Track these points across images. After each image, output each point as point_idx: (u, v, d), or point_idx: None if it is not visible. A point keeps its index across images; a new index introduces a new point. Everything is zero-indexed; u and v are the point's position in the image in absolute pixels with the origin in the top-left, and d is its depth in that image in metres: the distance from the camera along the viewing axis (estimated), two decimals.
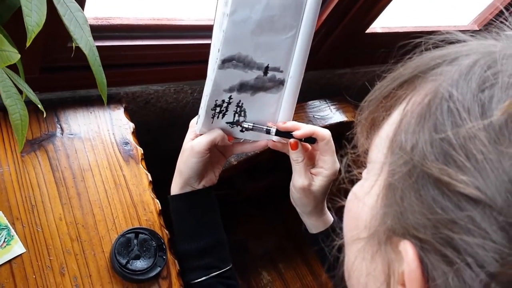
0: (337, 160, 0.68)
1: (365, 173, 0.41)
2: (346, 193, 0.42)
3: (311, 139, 0.67)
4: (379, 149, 0.37)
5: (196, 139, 0.68)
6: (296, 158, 0.67)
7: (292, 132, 0.66)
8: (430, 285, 0.30)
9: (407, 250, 0.30)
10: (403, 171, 0.31)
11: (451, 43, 0.37)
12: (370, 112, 0.40)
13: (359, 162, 0.44)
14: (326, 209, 0.74)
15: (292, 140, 0.67)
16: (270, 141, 0.71)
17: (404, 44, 0.42)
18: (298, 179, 0.68)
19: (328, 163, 0.67)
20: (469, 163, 0.27)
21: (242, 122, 0.68)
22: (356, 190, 0.40)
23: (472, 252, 0.27)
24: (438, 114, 0.30)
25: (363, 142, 0.41)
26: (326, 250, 0.75)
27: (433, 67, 0.35)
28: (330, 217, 0.75)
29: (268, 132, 0.67)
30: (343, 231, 0.43)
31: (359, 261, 0.37)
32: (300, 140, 0.67)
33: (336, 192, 0.44)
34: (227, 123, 0.68)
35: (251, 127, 0.67)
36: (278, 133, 0.67)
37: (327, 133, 0.67)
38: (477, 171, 0.27)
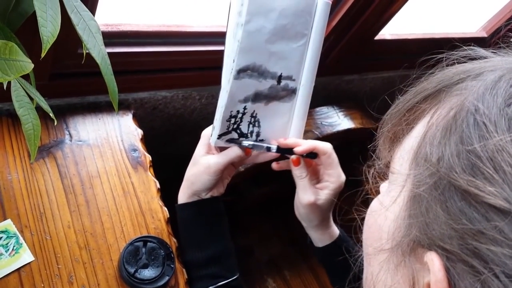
0: (342, 172, 0.68)
1: (385, 186, 0.41)
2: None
3: (312, 154, 0.66)
4: (403, 161, 0.37)
5: (214, 158, 0.67)
6: (299, 174, 0.67)
7: (293, 148, 0.66)
8: None
9: (433, 260, 0.31)
10: (429, 182, 0.31)
11: (473, 59, 0.37)
12: (393, 125, 0.40)
13: (381, 175, 0.44)
14: (332, 222, 0.74)
15: (294, 157, 0.66)
16: (275, 164, 0.71)
17: (426, 59, 0.42)
18: (304, 196, 0.67)
19: (333, 176, 0.67)
20: (497, 175, 0.28)
21: (242, 141, 0.66)
22: (378, 202, 0.40)
23: (500, 263, 0.27)
24: (465, 127, 0.30)
25: (386, 154, 0.41)
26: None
27: (457, 82, 0.35)
28: (336, 230, 0.74)
29: (269, 149, 0.67)
30: (364, 243, 0.42)
31: (382, 273, 0.38)
32: (302, 156, 0.66)
33: (360, 204, 0.44)
34: (226, 141, 0.66)
35: (251, 146, 0.66)
36: (279, 150, 0.67)
37: (328, 146, 0.66)
38: (505, 183, 0.27)
